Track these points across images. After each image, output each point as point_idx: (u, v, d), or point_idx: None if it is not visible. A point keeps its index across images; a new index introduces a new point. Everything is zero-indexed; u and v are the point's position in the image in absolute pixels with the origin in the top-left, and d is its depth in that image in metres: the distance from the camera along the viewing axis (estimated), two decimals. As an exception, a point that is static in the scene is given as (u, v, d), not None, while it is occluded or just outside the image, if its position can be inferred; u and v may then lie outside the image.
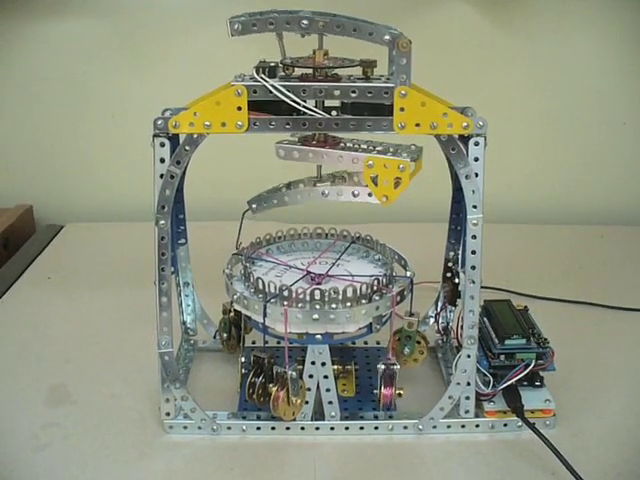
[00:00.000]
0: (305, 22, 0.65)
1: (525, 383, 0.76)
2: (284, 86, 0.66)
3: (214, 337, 0.90)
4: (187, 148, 0.68)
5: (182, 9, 1.29)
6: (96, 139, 1.36)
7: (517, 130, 1.33)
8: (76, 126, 1.35)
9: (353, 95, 0.67)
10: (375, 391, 0.77)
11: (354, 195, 0.71)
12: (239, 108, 0.66)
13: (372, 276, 0.75)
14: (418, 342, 0.81)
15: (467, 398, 0.75)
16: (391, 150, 0.70)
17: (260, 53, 0.70)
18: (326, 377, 0.74)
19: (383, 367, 0.75)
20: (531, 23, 1.29)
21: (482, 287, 0.72)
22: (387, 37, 0.65)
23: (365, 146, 0.72)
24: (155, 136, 0.68)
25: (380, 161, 0.68)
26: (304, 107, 0.67)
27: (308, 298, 0.71)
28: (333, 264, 0.80)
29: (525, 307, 0.83)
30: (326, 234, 0.86)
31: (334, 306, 0.71)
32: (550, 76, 1.32)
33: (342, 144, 0.72)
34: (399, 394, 0.76)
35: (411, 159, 0.68)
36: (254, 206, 0.75)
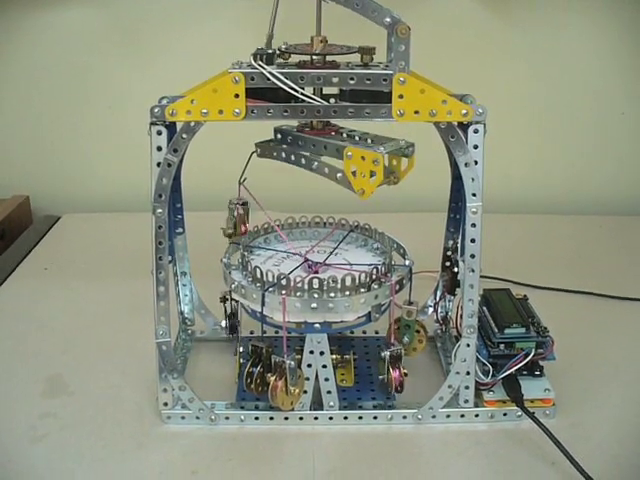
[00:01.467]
0: None
1: (525, 372, 0.76)
2: (282, 73, 0.66)
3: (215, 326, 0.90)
4: (184, 136, 0.67)
5: (182, 1, 1.28)
6: (93, 130, 1.35)
7: (516, 121, 1.33)
8: (74, 117, 1.34)
9: (351, 82, 0.66)
10: (382, 375, 0.75)
11: (337, 179, 0.70)
12: (236, 95, 0.66)
13: (371, 265, 0.75)
14: (417, 331, 0.80)
15: (466, 387, 0.75)
16: (383, 144, 0.69)
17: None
18: (325, 366, 0.73)
19: (388, 353, 0.74)
20: (530, 14, 1.28)
21: (481, 276, 0.71)
22: (388, 19, 0.64)
23: (358, 137, 0.71)
24: (152, 124, 0.67)
25: (358, 153, 0.67)
26: (302, 94, 0.66)
27: (306, 287, 0.71)
28: (331, 252, 0.80)
29: (524, 296, 0.83)
30: (324, 223, 0.86)
31: (333, 295, 0.71)
32: (549, 66, 1.31)
33: (339, 134, 0.71)
34: (405, 374, 0.75)
35: (388, 152, 0.67)
36: (259, 150, 0.76)
